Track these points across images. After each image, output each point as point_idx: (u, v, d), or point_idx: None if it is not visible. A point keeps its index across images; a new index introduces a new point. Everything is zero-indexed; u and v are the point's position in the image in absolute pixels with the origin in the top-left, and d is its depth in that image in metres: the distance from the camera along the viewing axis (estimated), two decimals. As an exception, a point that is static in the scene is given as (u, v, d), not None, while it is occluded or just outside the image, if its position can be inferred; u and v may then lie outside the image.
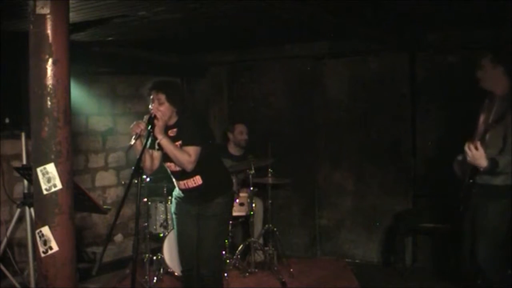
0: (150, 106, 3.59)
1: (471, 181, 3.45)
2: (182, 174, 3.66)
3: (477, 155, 3.25)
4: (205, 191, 3.68)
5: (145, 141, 3.38)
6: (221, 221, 3.76)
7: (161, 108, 3.53)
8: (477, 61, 3.66)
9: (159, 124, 3.47)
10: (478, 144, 3.24)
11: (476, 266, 3.60)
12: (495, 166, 3.31)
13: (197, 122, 3.74)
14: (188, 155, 3.50)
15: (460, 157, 3.67)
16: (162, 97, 3.54)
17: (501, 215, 3.46)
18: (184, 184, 3.70)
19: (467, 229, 3.68)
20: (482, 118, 3.63)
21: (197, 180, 3.65)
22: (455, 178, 3.80)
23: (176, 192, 3.85)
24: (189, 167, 3.53)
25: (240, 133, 5.87)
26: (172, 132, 3.62)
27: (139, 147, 3.39)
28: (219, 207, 3.71)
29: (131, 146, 3.37)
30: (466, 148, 3.29)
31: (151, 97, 3.58)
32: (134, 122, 3.48)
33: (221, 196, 3.74)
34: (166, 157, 3.65)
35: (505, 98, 3.50)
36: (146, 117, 3.49)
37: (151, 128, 3.40)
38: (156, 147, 3.61)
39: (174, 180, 3.79)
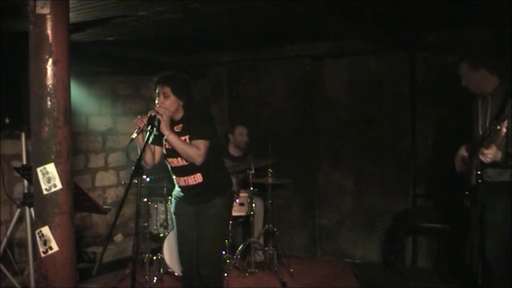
0: (156, 101, 3.57)
1: (479, 181, 3.45)
2: (183, 171, 3.63)
3: (494, 154, 3.25)
4: (204, 189, 3.65)
5: (145, 138, 3.36)
6: (220, 222, 3.74)
7: (166, 102, 3.51)
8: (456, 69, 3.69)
9: (164, 119, 3.43)
10: (491, 145, 3.24)
11: (484, 263, 3.59)
12: (509, 158, 3.34)
13: (206, 117, 3.71)
14: (197, 148, 3.49)
15: (463, 152, 3.70)
16: (168, 90, 3.52)
17: (508, 211, 3.46)
18: (185, 181, 3.67)
19: (474, 227, 3.67)
20: (479, 118, 3.65)
21: (198, 177, 3.62)
22: (455, 178, 3.80)
23: (176, 191, 3.82)
24: (199, 160, 3.50)
25: (240, 134, 5.88)
26: (178, 128, 3.59)
27: (141, 141, 3.39)
28: (217, 207, 3.69)
29: (132, 139, 3.36)
30: (481, 156, 3.27)
31: (157, 91, 3.56)
32: (138, 116, 3.46)
33: (219, 196, 3.71)
34: (168, 153, 3.64)
35: (496, 94, 3.53)
36: (150, 112, 3.46)
37: (151, 128, 3.38)
38: (164, 143, 3.59)
39: (174, 177, 3.75)
